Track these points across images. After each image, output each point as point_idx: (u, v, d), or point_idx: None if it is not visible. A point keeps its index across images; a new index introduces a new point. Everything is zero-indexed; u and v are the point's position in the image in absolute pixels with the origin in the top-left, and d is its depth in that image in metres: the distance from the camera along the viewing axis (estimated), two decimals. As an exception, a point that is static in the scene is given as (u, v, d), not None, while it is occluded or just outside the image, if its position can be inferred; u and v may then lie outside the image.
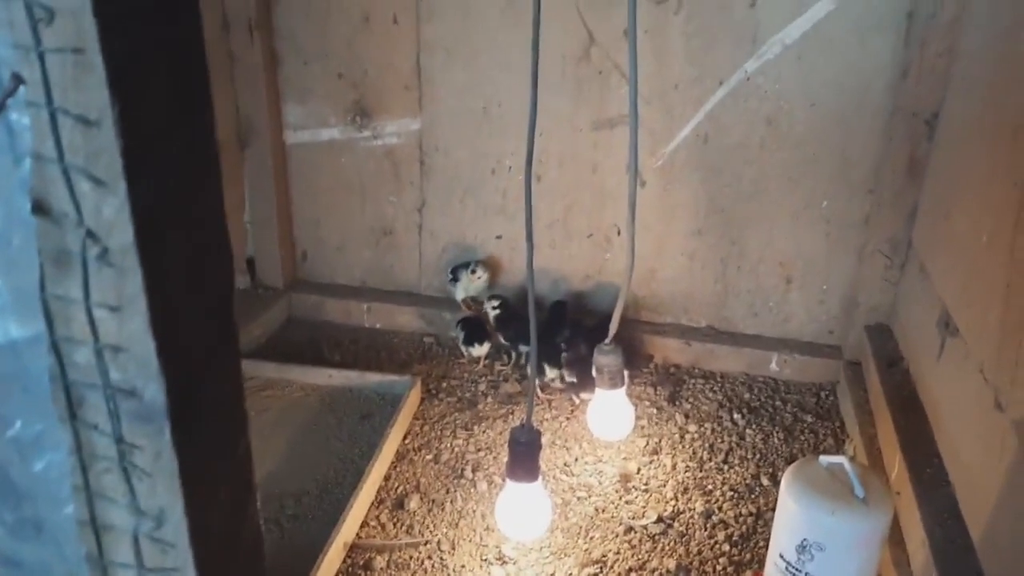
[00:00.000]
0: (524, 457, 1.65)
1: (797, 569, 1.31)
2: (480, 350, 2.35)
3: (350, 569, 1.65)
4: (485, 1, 2.20)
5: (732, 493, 1.88)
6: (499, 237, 2.47)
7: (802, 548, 1.30)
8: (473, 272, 2.40)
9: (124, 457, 0.49)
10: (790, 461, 1.97)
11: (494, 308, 2.35)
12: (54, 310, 0.47)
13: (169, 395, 0.45)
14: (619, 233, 2.36)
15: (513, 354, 2.36)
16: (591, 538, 1.75)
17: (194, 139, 0.48)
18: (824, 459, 1.35)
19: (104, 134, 0.42)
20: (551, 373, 2.21)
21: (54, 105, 0.43)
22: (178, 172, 0.47)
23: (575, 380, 2.18)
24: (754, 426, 2.11)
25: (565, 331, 2.31)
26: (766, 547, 1.69)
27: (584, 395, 2.14)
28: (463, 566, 1.67)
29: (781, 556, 1.34)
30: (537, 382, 2.17)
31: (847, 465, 1.31)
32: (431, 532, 1.76)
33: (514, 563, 1.68)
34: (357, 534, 1.74)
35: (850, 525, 1.26)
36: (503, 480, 1.74)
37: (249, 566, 0.54)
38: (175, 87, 0.46)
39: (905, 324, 2.07)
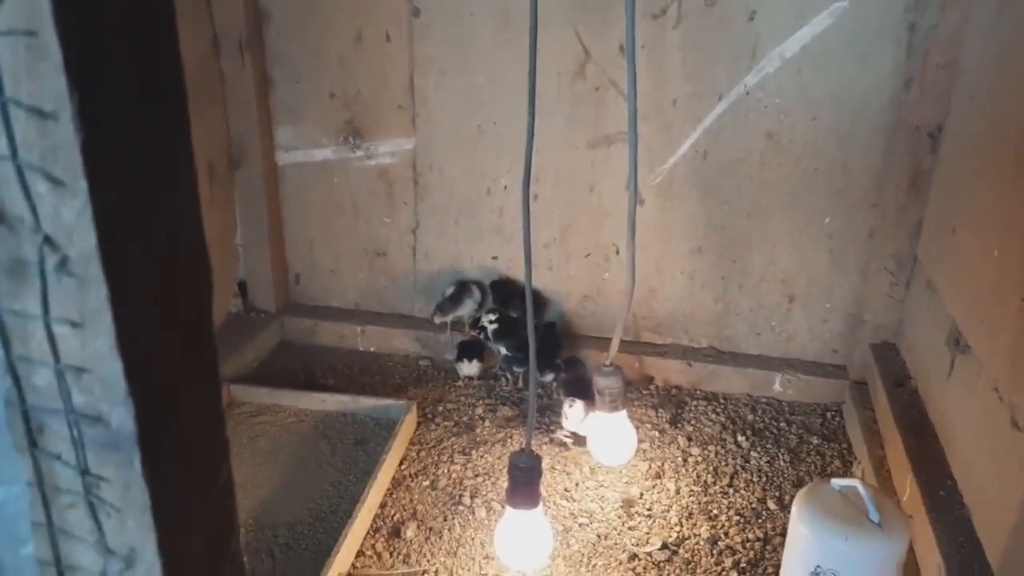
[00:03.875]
0: (524, 483, 1.59)
1: (811, 598, 1.26)
2: (470, 367, 2.30)
3: (344, 601, 1.59)
4: (479, 19, 2.17)
5: (738, 518, 1.82)
6: (495, 258, 2.43)
7: (816, 575, 1.24)
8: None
9: (90, 490, 0.44)
10: (797, 484, 1.91)
11: (491, 322, 2.30)
12: (9, 327, 0.42)
13: (139, 421, 0.40)
14: (617, 252, 2.32)
15: (510, 376, 2.31)
16: (594, 566, 1.69)
17: (166, 137, 0.43)
18: (836, 482, 1.30)
19: (62, 128, 0.38)
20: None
21: (5, 95, 0.38)
22: (148, 172, 0.42)
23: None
24: (759, 448, 2.06)
25: (558, 352, 2.28)
26: (775, 574, 1.63)
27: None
28: (461, 597, 1.61)
29: (794, 584, 1.28)
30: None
31: (861, 488, 1.26)
32: (429, 561, 1.70)
33: (514, 593, 1.62)
34: (352, 564, 1.67)
35: (865, 551, 1.21)
36: (502, 507, 1.68)
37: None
38: (143, 77, 0.41)
39: (912, 342, 2.03)
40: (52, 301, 0.42)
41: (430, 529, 1.78)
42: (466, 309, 2.40)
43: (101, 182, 0.39)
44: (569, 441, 2.05)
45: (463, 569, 1.68)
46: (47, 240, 0.40)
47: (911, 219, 2.03)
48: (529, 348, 1.63)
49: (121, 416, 0.40)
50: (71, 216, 0.39)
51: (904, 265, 2.08)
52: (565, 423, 2.02)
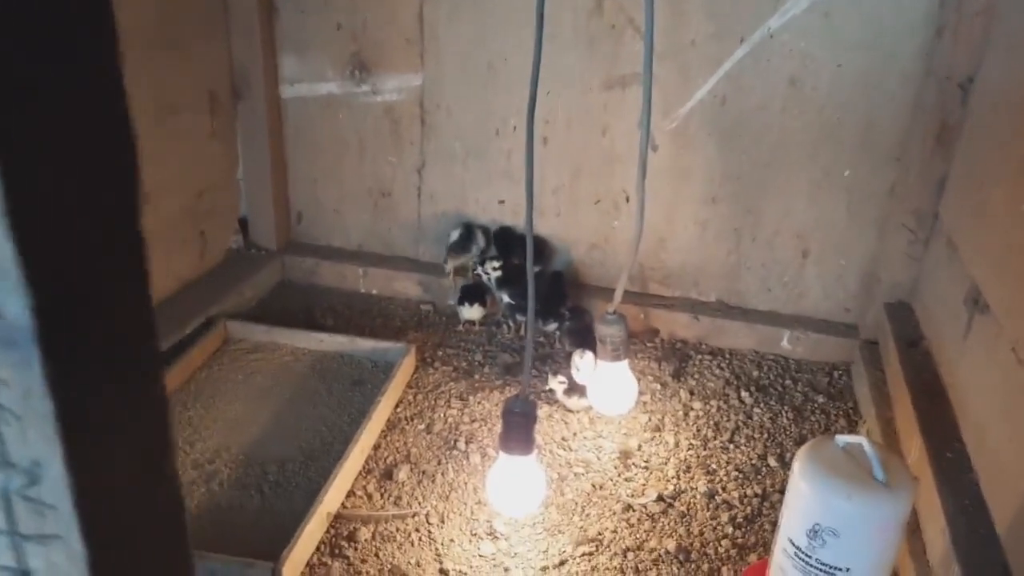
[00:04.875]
0: (518, 429, 1.55)
1: (807, 555, 1.21)
2: (471, 311, 2.25)
3: (333, 540, 1.56)
4: (494, -51, 2.08)
5: (737, 473, 1.78)
6: (502, 202, 2.36)
7: (814, 533, 1.20)
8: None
9: (-14, 392, 0.39)
10: (799, 442, 1.87)
11: (495, 269, 2.25)
12: None
13: (38, 314, 0.35)
14: (628, 200, 2.25)
15: (512, 324, 2.26)
16: (587, 515, 1.66)
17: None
18: (841, 439, 1.24)
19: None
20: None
21: None
22: (64, 28, 0.36)
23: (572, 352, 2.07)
24: (762, 405, 2.01)
25: (563, 302, 2.22)
26: (772, 530, 1.59)
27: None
28: (452, 540, 1.58)
29: (790, 541, 1.24)
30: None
31: (866, 446, 1.20)
32: (420, 504, 1.67)
33: (505, 539, 1.59)
34: (342, 504, 1.65)
35: (868, 510, 1.16)
36: (497, 452, 1.64)
37: (164, 538, 0.44)
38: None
39: (928, 302, 1.96)
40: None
41: (423, 472, 1.75)
42: (471, 254, 2.34)
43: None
44: (561, 388, 1.96)
45: (454, 513, 1.65)
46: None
47: (935, 174, 1.94)
48: (528, 293, 1.57)
49: (17, 308, 0.35)
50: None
51: (924, 222, 2.00)
52: (576, 375, 1.96)
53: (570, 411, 1.96)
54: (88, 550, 0.37)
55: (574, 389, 1.94)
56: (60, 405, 0.37)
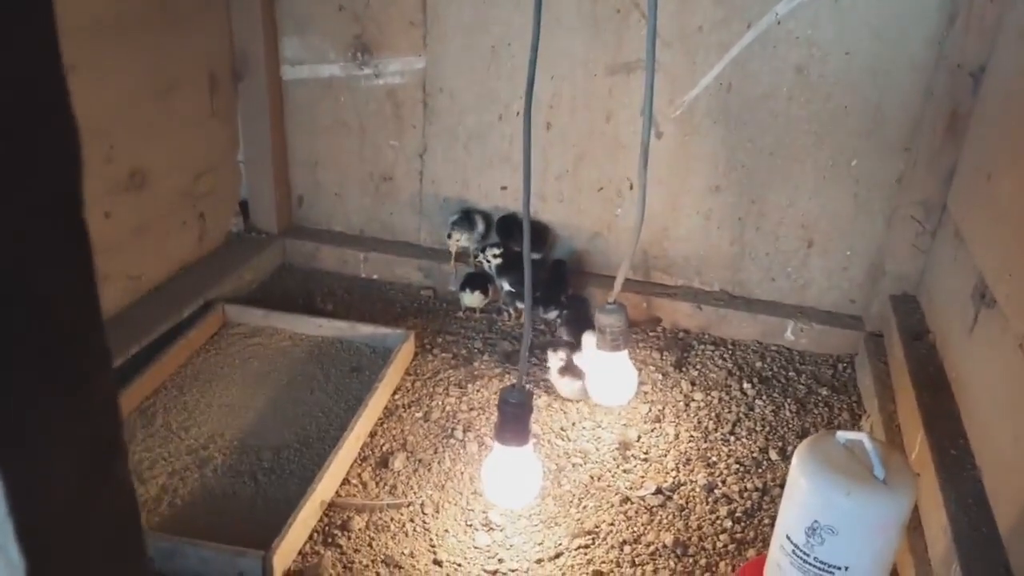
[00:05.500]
0: (513, 419, 1.53)
1: (805, 553, 1.19)
2: (472, 298, 2.22)
3: (326, 528, 1.55)
4: (498, -70, 2.04)
5: (737, 466, 1.76)
6: (504, 188, 2.33)
7: (812, 531, 1.18)
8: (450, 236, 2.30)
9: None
10: (802, 435, 1.84)
11: (495, 256, 2.22)
12: None
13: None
14: (631, 187, 2.22)
15: (512, 311, 2.24)
16: (584, 507, 1.64)
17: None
18: (842, 435, 1.22)
19: None
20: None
21: None
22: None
23: (573, 340, 2.05)
24: (764, 397, 1.98)
25: (564, 290, 2.20)
26: (771, 525, 1.57)
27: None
28: (447, 531, 1.57)
29: (788, 538, 1.22)
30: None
31: (867, 442, 1.18)
32: (415, 493, 1.65)
33: (501, 530, 1.58)
34: (336, 492, 1.63)
35: (867, 508, 1.14)
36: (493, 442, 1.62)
37: (117, 540, 0.42)
38: None
39: (934, 295, 1.93)
40: None
41: (419, 461, 1.73)
42: (474, 234, 2.31)
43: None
44: (558, 365, 1.91)
45: (450, 503, 1.63)
46: None
47: (944, 165, 1.91)
48: (525, 281, 1.54)
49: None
50: None
51: (932, 213, 1.96)
52: (579, 356, 1.93)
53: (563, 397, 1.93)
54: (27, 560, 0.34)
55: (569, 370, 1.90)
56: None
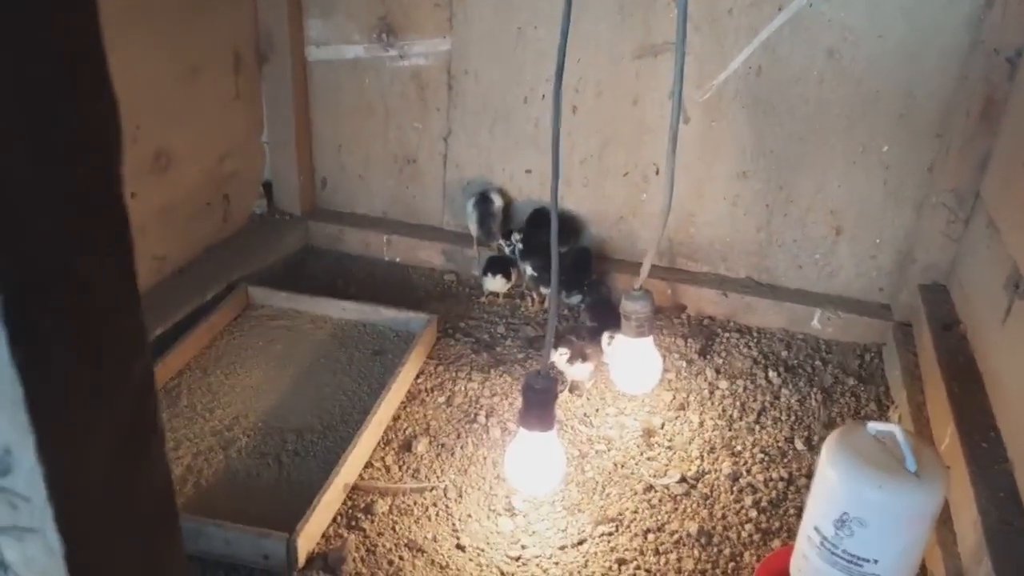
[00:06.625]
0: (538, 405, 1.52)
1: (834, 545, 1.18)
2: (495, 283, 2.21)
3: (350, 512, 1.55)
4: (525, -90, 2.01)
5: (763, 456, 1.74)
6: (528, 171, 2.32)
7: (841, 523, 1.16)
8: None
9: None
10: (828, 425, 1.82)
11: (519, 240, 2.21)
12: None
13: (3, 295, 0.32)
14: (657, 172, 2.19)
15: (536, 296, 2.23)
16: (608, 495, 1.63)
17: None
18: (873, 426, 1.20)
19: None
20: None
21: None
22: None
23: (596, 325, 2.03)
24: (790, 386, 1.96)
25: (589, 276, 2.18)
26: (797, 516, 1.56)
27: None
28: (470, 515, 1.56)
29: (816, 529, 1.20)
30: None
31: (899, 434, 1.16)
32: (438, 478, 1.65)
33: (524, 516, 1.57)
34: (360, 475, 1.63)
35: (899, 501, 1.12)
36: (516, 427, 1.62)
37: (152, 525, 0.41)
38: None
39: (965, 284, 1.90)
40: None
41: (442, 445, 1.73)
42: (495, 211, 2.28)
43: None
44: (563, 359, 1.86)
45: (472, 488, 1.63)
46: None
47: (978, 152, 1.87)
48: (552, 268, 1.53)
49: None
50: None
51: (964, 202, 1.93)
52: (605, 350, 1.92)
53: (575, 381, 1.91)
54: (65, 544, 0.34)
55: (576, 355, 1.86)
56: (31, 391, 0.34)
